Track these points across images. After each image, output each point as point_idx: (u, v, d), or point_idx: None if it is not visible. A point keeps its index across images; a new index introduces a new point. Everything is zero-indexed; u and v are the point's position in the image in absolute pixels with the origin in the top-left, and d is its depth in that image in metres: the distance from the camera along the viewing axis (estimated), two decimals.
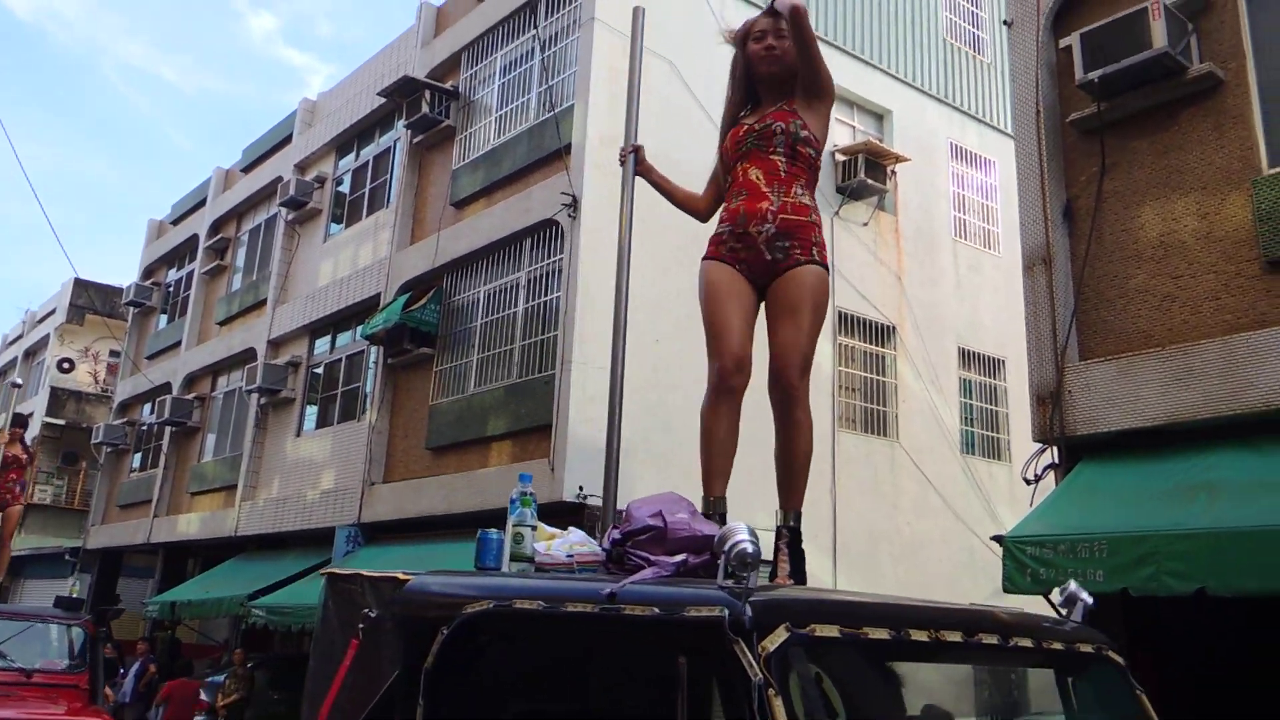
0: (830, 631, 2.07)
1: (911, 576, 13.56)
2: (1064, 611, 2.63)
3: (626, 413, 11.54)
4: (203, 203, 22.74)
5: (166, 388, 21.35)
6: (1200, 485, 5.91)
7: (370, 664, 2.74)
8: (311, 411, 16.74)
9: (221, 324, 20.34)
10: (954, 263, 15.54)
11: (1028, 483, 6.73)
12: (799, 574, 3.30)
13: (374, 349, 14.71)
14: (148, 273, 25.15)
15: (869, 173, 14.00)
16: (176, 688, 13.71)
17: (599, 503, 10.66)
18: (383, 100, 15.67)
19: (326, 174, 17.92)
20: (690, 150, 12.71)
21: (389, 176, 16.22)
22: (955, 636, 2.25)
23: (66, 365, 30.21)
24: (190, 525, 18.88)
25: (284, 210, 18.35)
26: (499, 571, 2.96)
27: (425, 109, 14.51)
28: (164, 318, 24.02)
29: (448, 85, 14.85)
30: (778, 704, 1.88)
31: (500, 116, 13.80)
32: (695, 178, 13.18)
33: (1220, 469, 5.99)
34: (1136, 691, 2.53)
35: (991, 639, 2.31)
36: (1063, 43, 7.45)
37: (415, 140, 15.21)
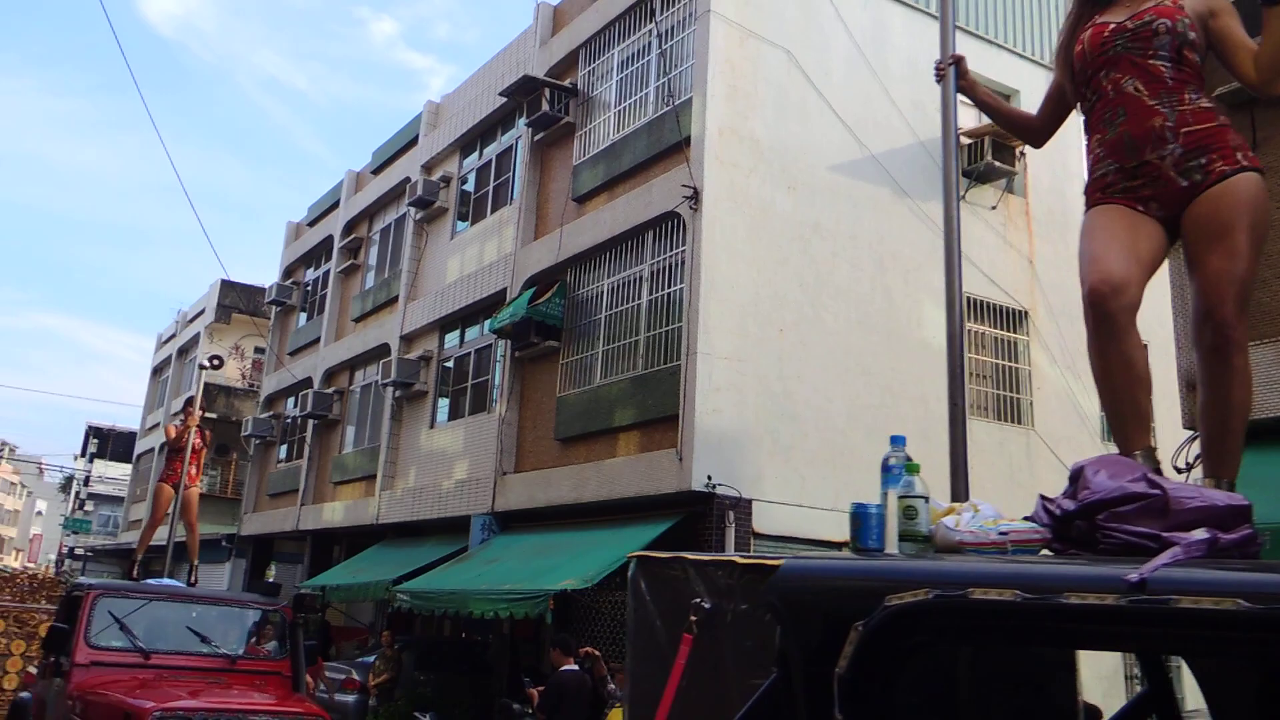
0: None
1: None
2: None
3: (751, 402, 11.68)
4: (336, 204, 23.73)
5: (308, 382, 22.42)
6: None
7: (709, 662, 2.36)
8: (443, 404, 17.34)
9: (357, 320, 21.21)
10: None
11: (1179, 471, 6.47)
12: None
13: (501, 343, 15.13)
14: (287, 273, 26.39)
15: (996, 155, 13.63)
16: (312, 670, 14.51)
17: (728, 492, 10.79)
18: (504, 100, 16.05)
19: (452, 173, 18.47)
20: (807, 138, 12.63)
21: (511, 174, 16.62)
22: None
23: (216, 362, 31.95)
24: (335, 513, 19.81)
25: (412, 210, 19.00)
26: (886, 554, 2.51)
27: (545, 107, 14.81)
28: (303, 315, 25.18)
29: (566, 83, 15.10)
30: None
31: (619, 111, 13.98)
32: (816, 169, 13.14)
33: None
34: None
35: None
36: None
37: (536, 138, 15.53)
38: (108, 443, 50.56)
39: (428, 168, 19.22)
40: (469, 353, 16.75)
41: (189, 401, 11.28)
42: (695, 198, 11.64)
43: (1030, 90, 14.84)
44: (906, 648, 1.98)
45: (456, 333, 17.38)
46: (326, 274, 23.69)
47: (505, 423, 14.62)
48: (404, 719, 12.44)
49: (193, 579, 10.25)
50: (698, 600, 2.42)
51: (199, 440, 10.76)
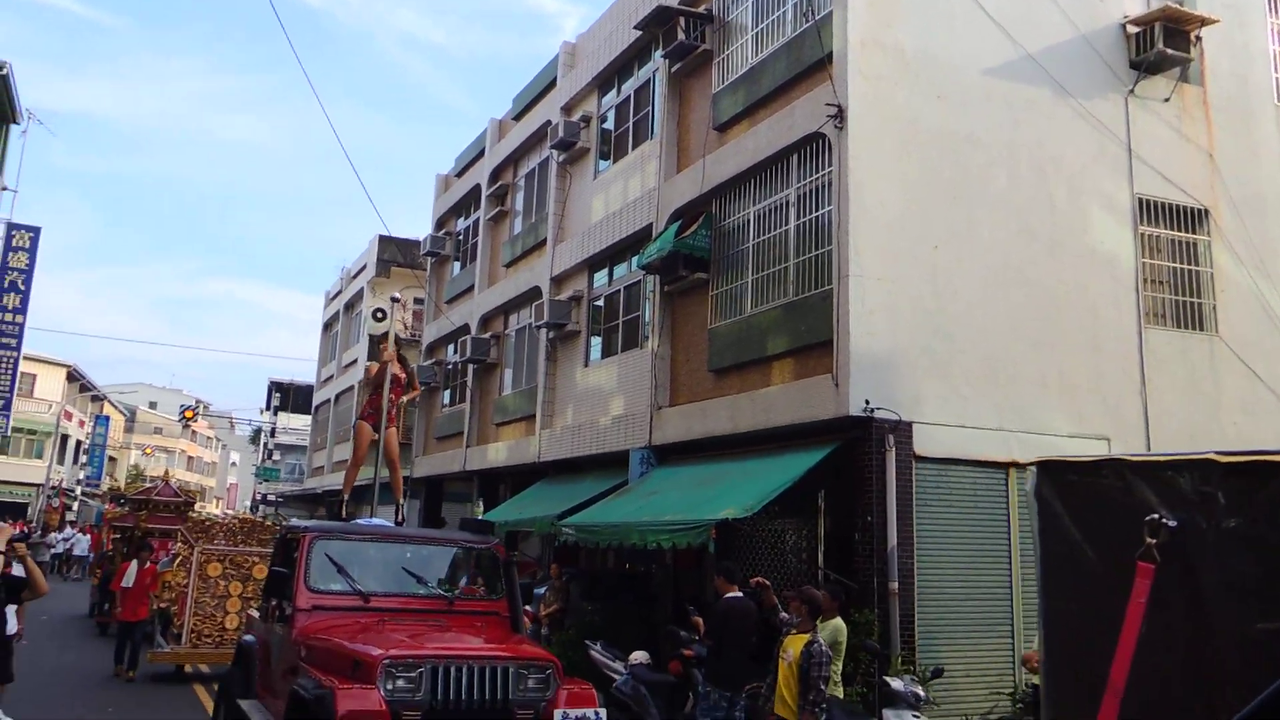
0: None
1: None
2: None
3: (907, 323, 11.36)
4: (481, 154, 24.22)
5: (465, 329, 23.18)
6: None
7: (1179, 599, 1.81)
8: (596, 342, 17.61)
9: (508, 265, 21.71)
10: (1278, 133, 13.72)
11: None
12: None
13: (650, 278, 15.18)
14: (439, 224, 27.22)
15: (1168, 42, 12.59)
16: None
17: (887, 415, 10.58)
18: (639, 33, 15.88)
19: (591, 113, 18.50)
20: (955, 43, 11.98)
21: (650, 108, 16.50)
22: None
23: (379, 314, 33.40)
24: (498, 453, 20.55)
25: (555, 152, 19.18)
26: None
27: (681, 36, 14.58)
28: (457, 264, 25.97)
29: (701, 9, 14.81)
30: None
31: (757, 33, 13.62)
32: (966, 75, 12.51)
33: None
34: None
35: None
36: None
37: (673, 69, 15.34)
38: (289, 396, 53.90)
39: (567, 109, 19.31)
40: (618, 290, 16.91)
41: (384, 338, 10.95)
42: (840, 116, 11.28)
43: None
44: None
45: (605, 271, 17.55)
46: (476, 222, 24.29)
47: (658, 357, 14.73)
48: (575, 647, 12.91)
49: (399, 518, 9.94)
50: (1156, 517, 1.87)
51: (400, 373, 10.31)
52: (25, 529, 33.76)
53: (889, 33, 11.63)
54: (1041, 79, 12.30)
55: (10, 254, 27.81)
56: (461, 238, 25.81)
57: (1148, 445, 12.01)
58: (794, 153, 12.34)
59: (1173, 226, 12.95)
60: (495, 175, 23.15)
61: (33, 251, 28.29)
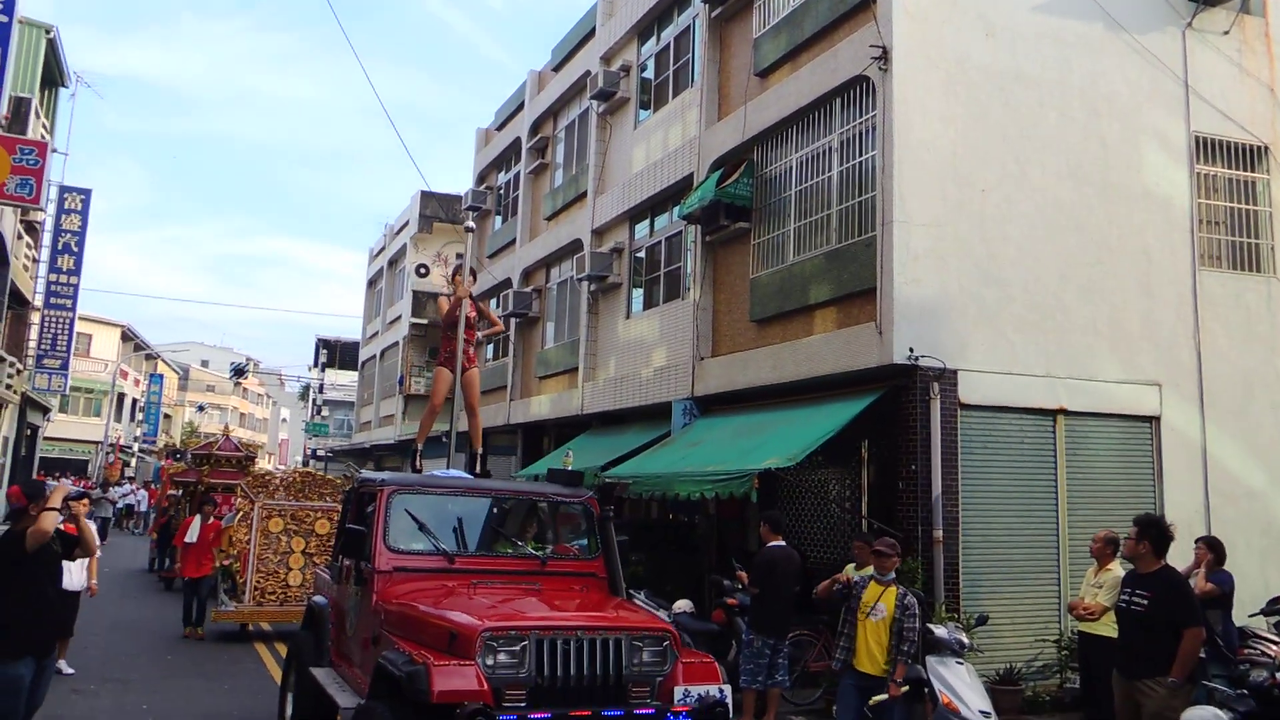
0: None
1: None
2: None
3: (953, 268, 11.17)
4: (521, 106, 24.07)
5: (507, 283, 23.24)
6: None
7: None
8: (638, 294, 17.56)
9: (549, 219, 21.66)
10: None
11: None
12: None
13: (691, 228, 15.06)
14: (480, 178, 27.19)
15: None
16: None
17: (932, 363, 10.45)
18: None
19: (631, 62, 18.28)
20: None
21: (691, 55, 16.26)
22: None
23: (423, 270, 33.67)
24: (542, 406, 20.68)
25: (595, 103, 19.00)
26: None
27: None
28: (499, 219, 25.98)
29: None
30: None
31: None
32: (1016, 11, 12.14)
33: None
34: None
35: None
36: None
37: (714, 14, 15.08)
38: (336, 353, 54.62)
39: (606, 59, 19.10)
40: (659, 241, 16.81)
41: (456, 270, 9.61)
42: (884, 58, 11.01)
43: None
44: None
45: (646, 222, 17.45)
46: (517, 176, 24.23)
47: (700, 308, 14.66)
48: None
49: (479, 469, 8.96)
50: None
51: (472, 313, 9.28)
52: (86, 485, 34.81)
53: None
54: (1094, 13, 11.90)
55: (63, 216, 28.28)
56: (502, 192, 25.78)
57: (1200, 391, 11.75)
58: (837, 97, 12.10)
59: (1230, 165, 12.55)
60: (535, 128, 23.03)
61: (84, 214, 28.74)
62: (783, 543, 9.68)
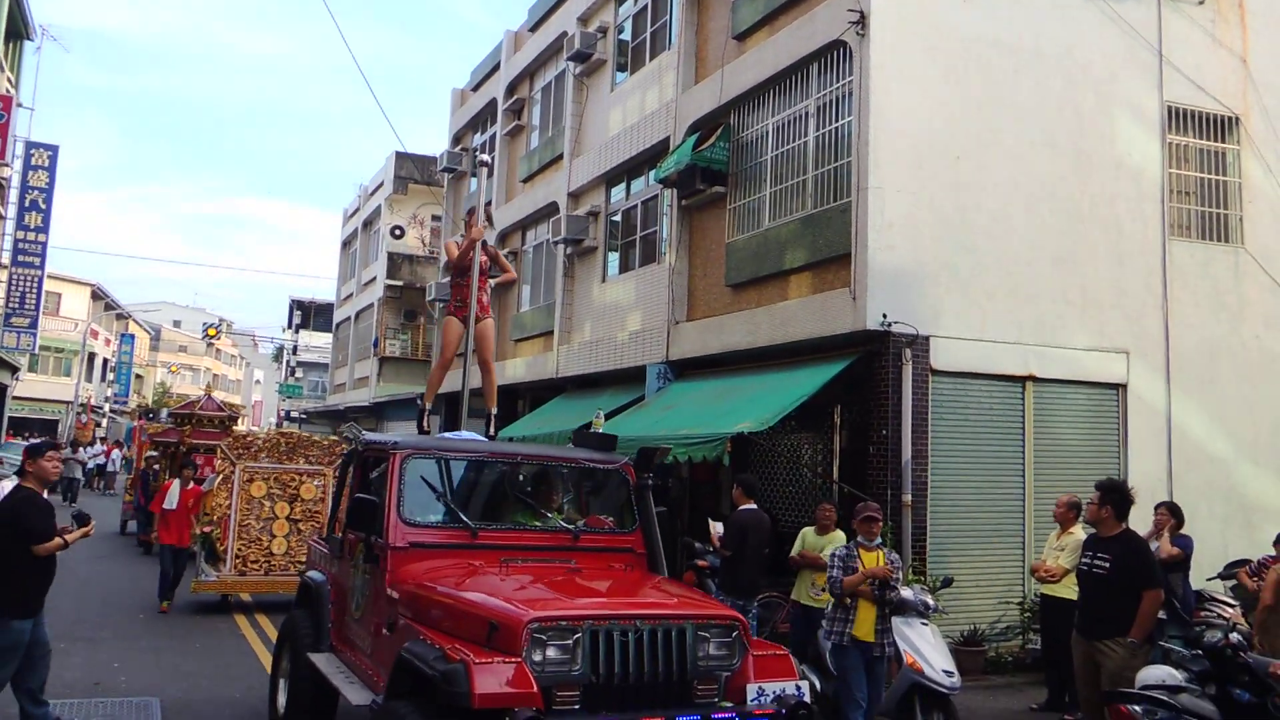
0: None
1: (1260, 394, 12.36)
2: None
3: (926, 235, 11.23)
4: (497, 67, 23.81)
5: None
6: None
7: None
8: (613, 258, 17.53)
9: (525, 181, 21.53)
10: None
11: None
12: None
13: (668, 192, 15.03)
14: (456, 139, 26.94)
15: None
16: None
17: (904, 329, 10.53)
18: None
19: (608, 22, 18.10)
20: None
21: (668, 17, 16.13)
22: None
23: (398, 232, 33.39)
24: (517, 369, 20.67)
25: (572, 64, 18.83)
26: None
27: None
28: (474, 180, 25.76)
29: None
30: None
31: None
32: None
33: None
34: None
35: None
36: None
37: None
38: (310, 314, 54.25)
39: (584, 20, 18.90)
40: (635, 205, 16.76)
41: (470, 213, 8.53)
42: (862, 22, 10.98)
43: None
44: None
45: (622, 186, 17.38)
46: (493, 137, 24.02)
47: (675, 272, 14.66)
48: None
49: (492, 431, 8.11)
50: None
51: (485, 259, 8.34)
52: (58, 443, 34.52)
53: None
54: None
55: (30, 173, 27.83)
56: (478, 153, 25.54)
57: (1167, 359, 11.93)
58: (814, 61, 12.07)
59: (1201, 135, 12.64)
60: (511, 89, 22.81)
61: (52, 170, 28.27)
62: (754, 506, 9.78)
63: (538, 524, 6.35)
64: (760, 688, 4.99)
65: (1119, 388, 11.72)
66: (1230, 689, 5.77)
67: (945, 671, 7.06)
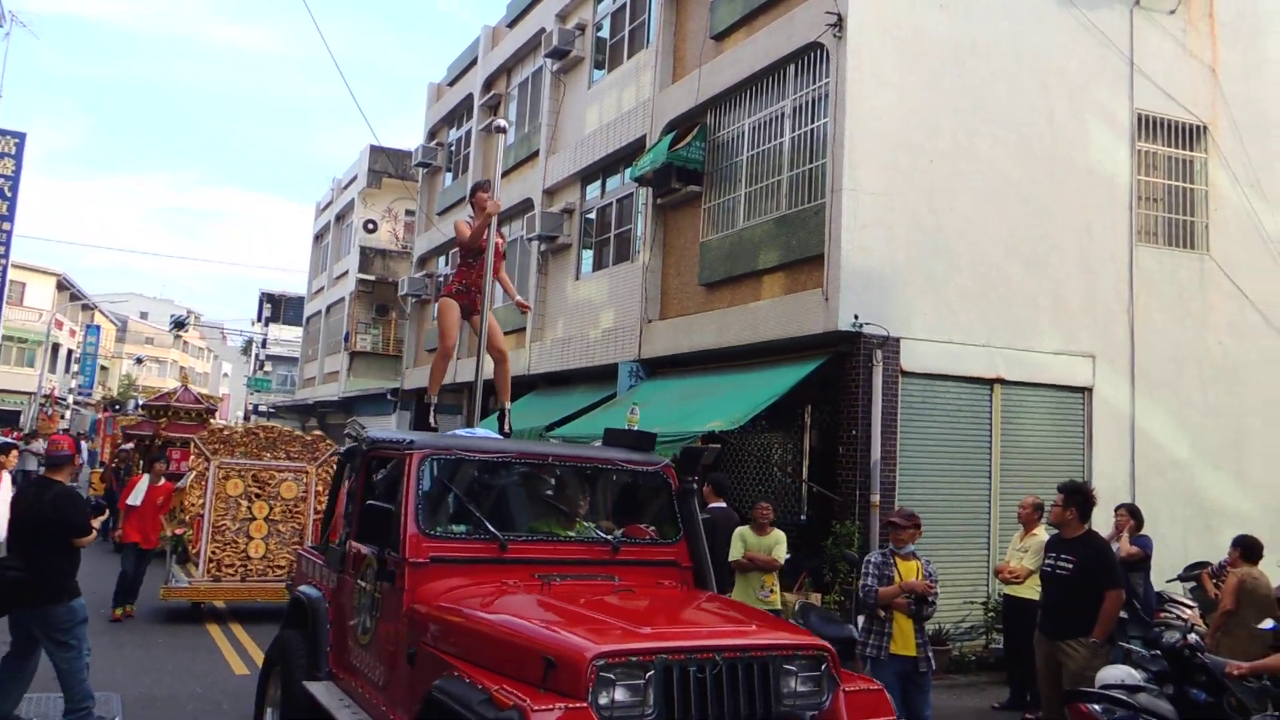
0: None
1: (1222, 400, 12.55)
2: None
3: (900, 237, 11.30)
4: (474, 62, 23.71)
5: (455, 241, 22.98)
6: None
7: None
8: (587, 255, 17.51)
9: (500, 177, 21.39)
10: None
11: None
12: None
13: (643, 190, 15.03)
14: (431, 134, 26.79)
15: None
16: None
17: (876, 331, 10.59)
18: None
19: (586, 20, 18.08)
20: None
21: (646, 16, 16.13)
22: None
23: (370, 226, 33.18)
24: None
25: (549, 61, 18.78)
26: None
27: None
28: (449, 175, 25.65)
29: None
30: None
31: None
32: None
33: None
34: None
35: None
36: None
37: None
38: (280, 308, 53.79)
39: (562, 16, 18.86)
40: (611, 203, 16.75)
41: (480, 187, 7.50)
42: (839, 24, 11.03)
43: None
44: None
45: (598, 183, 17.36)
46: (469, 133, 23.91)
47: (649, 270, 14.67)
48: None
49: (505, 427, 7.21)
50: None
51: (501, 240, 7.58)
52: (16, 436, 33.99)
53: None
54: None
55: None
56: (454, 148, 25.44)
57: (1132, 364, 12.08)
58: (791, 63, 12.11)
59: (1170, 143, 12.81)
60: (488, 84, 22.71)
61: (19, 157, 27.79)
62: (724, 505, 9.80)
63: (571, 535, 5.62)
64: None
65: (1085, 391, 11.85)
66: (1187, 689, 5.84)
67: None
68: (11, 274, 31.16)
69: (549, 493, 5.97)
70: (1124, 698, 5.66)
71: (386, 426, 28.21)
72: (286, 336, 53.70)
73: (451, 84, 25.88)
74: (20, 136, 27.91)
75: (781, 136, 12.29)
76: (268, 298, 54.81)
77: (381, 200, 33.55)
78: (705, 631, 4.50)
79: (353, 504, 5.79)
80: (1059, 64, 12.05)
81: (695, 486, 5.81)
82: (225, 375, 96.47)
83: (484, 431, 6.45)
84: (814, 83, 11.73)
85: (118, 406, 35.07)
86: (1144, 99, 12.48)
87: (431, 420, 7.22)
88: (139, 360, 72.03)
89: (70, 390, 54.60)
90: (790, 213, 11.90)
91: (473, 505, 5.38)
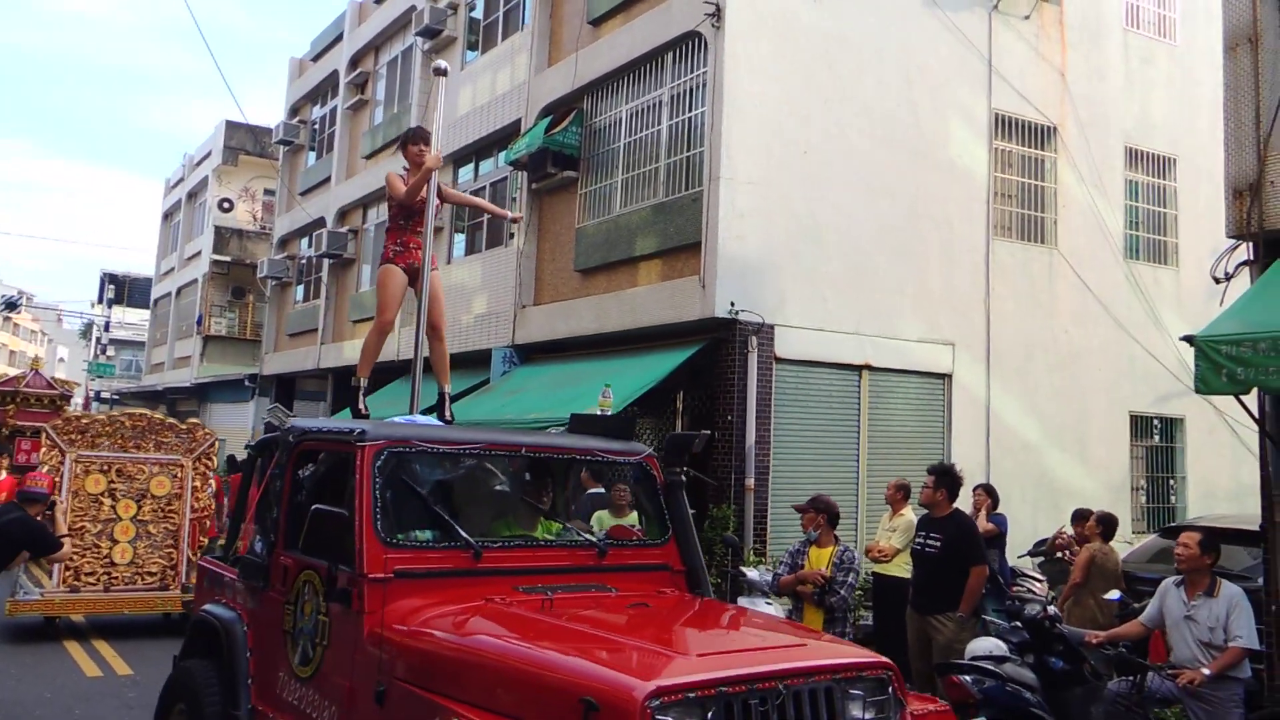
0: None
1: (1067, 386, 13.34)
2: None
3: (775, 226, 11.52)
4: (340, 38, 22.93)
5: (321, 222, 22.25)
6: None
7: None
8: (459, 239, 17.22)
9: (367, 158, 20.83)
10: (1124, 55, 14.39)
11: (1217, 281, 6.42)
12: None
13: (518, 175, 14.87)
14: (293, 111, 25.79)
15: None
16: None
17: (751, 318, 10.80)
18: None
19: (459, 0, 17.73)
20: None
21: None
22: None
23: (226, 205, 31.72)
24: (355, 350, 19.98)
25: (420, 40, 18.34)
26: None
27: None
28: (312, 155, 24.76)
29: None
30: None
31: None
32: None
33: None
34: None
35: None
36: None
37: None
38: (124, 289, 50.88)
39: None
40: (484, 186, 16.50)
41: (413, 138, 6.52)
42: (717, 14, 11.16)
43: None
44: None
45: (471, 166, 17.08)
46: (334, 111, 23.13)
47: (523, 255, 14.54)
48: None
49: (446, 413, 6.38)
50: None
51: (440, 201, 6.58)
52: None
53: None
54: None
55: None
56: (317, 126, 24.57)
57: (988, 352, 12.70)
58: (669, 51, 12.18)
59: (1023, 142, 13.50)
60: (355, 62, 22.00)
61: None
62: (602, 490, 9.81)
63: (548, 538, 4.97)
64: None
65: (945, 377, 12.40)
66: (1046, 658, 6.20)
67: None
68: None
69: (517, 489, 5.27)
70: (991, 668, 5.96)
71: (242, 414, 27.12)
72: (131, 319, 50.85)
73: (315, 59, 24.98)
74: None
75: (659, 124, 12.35)
76: (110, 278, 51.71)
77: (238, 178, 32.10)
78: (763, 656, 3.76)
79: (272, 507, 4.97)
80: (922, 62, 12.52)
81: (683, 478, 5.17)
82: (61, 360, 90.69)
83: (423, 419, 5.77)
84: (692, 71, 11.84)
85: None
86: (1001, 99, 13.10)
87: (361, 405, 6.33)
88: None
89: None
90: (668, 200, 11.99)
91: (440, 506, 4.58)
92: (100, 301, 52.95)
